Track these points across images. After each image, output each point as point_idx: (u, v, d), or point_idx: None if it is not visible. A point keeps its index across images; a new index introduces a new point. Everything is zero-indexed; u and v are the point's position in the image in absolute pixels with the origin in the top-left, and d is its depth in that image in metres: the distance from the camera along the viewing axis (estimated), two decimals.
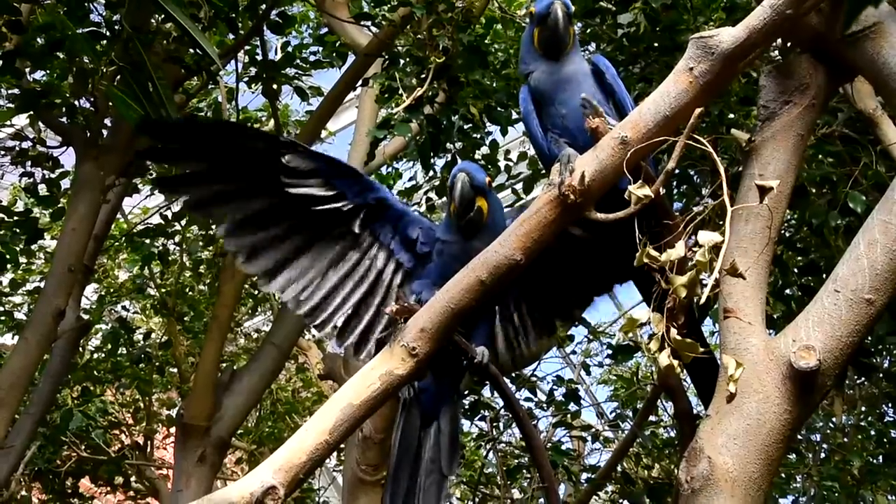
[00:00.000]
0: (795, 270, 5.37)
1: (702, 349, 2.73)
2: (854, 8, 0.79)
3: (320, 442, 2.85)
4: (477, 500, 8.05)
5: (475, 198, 3.11)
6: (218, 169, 3.25)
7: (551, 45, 3.13)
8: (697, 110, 2.73)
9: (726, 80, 2.94)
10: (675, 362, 2.69)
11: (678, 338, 2.68)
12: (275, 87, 6.28)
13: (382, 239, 3.33)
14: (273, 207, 3.26)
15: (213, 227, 6.80)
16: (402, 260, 3.32)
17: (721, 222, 2.65)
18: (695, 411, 3.77)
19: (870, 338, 4.51)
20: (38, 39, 5.57)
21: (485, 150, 6.53)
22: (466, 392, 6.30)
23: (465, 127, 6.09)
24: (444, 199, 6.38)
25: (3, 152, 6.47)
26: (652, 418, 7.59)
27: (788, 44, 3.56)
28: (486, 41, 6.42)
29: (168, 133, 3.36)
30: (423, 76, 5.39)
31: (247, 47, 6.35)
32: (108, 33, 5.06)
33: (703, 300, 2.67)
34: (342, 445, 5.71)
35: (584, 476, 7.52)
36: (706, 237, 2.63)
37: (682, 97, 2.77)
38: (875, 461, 7.15)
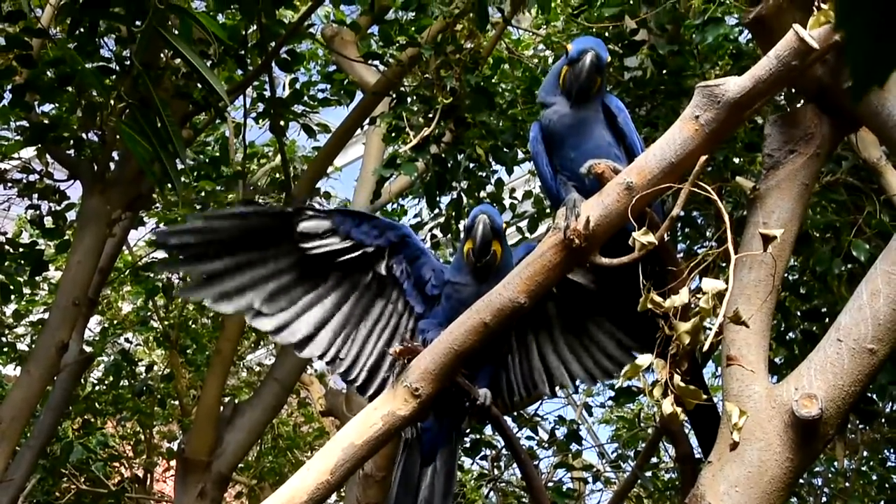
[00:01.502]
0: (798, 314, 5.37)
1: (704, 396, 2.73)
2: (859, 88, 0.80)
3: (321, 482, 2.85)
4: None
5: (493, 241, 3.12)
6: (234, 257, 3.23)
7: (576, 89, 3.12)
8: (702, 158, 2.74)
9: (732, 128, 2.96)
10: (678, 409, 2.69)
11: (681, 384, 2.68)
12: (282, 123, 6.31)
13: (399, 279, 3.33)
14: (297, 276, 3.26)
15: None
16: (414, 304, 3.33)
17: (725, 266, 2.66)
18: (696, 456, 3.76)
19: (871, 385, 4.50)
20: (48, 73, 5.60)
21: (490, 188, 6.55)
22: (468, 431, 6.28)
23: (471, 166, 6.11)
24: (447, 235, 6.42)
25: (10, 184, 6.50)
26: (653, 460, 7.57)
27: (794, 90, 3.58)
28: (494, 81, 6.45)
29: (183, 240, 3.34)
30: (430, 116, 5.42)
31: (255, 84, 6.38)
32: (117, 68, 5.10)
33: (706, 347, 2.68)
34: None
35: None
36: (710, 284, 2.64)
37: (687, 144, 2.78)
38: None
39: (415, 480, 3.25)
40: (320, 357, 3.26)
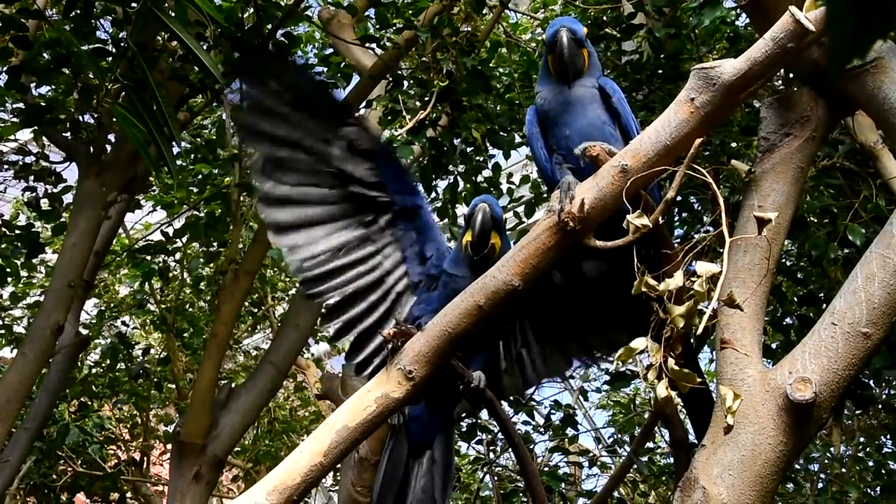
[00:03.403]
0: (794, 298, 5.37)
1: (698, 379, 2.73)
2: (839, 60, 0.79)
3: (315, 464, 2.85)
4: None
5: (491, 231, 3.12)
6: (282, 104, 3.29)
7: (561, 70, 3.14)
8: (698, 140, 2.74)
9: (727, 110, 2.95)
10: (673, 393, 2.69)
11: (676, 368, 2.68)
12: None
13: (402, 243, 3.33)
14: (313, 169, 3.28)
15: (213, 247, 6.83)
16: (411, 272, 3.32)
17: (720, 249, 2.65)
18: (690, 440, 3.76)
19: (867, 370, 4.50)
20: (44, 55, 5.59)
21: (487, 172, 6.54)
22: (464, 415, 6.29)
23: (468, 150, 6.10)
24: (444, 219, 6.41)
25: (6, 166, 6.49)
26: (649, 445, 7.57)
27: (790, 75, 3.57)
28: (491, 65, 6.44)
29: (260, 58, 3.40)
30: (427, 99, 5.41)
31: None
32: (113, 50, 5.08)
33: (700, 331, 2.68)
34: (338, 466, 5.70)
35: (581, 501, 7.51)
36: (704, 268, 2.64)
37: (682, 127, 2.78)
38: (873, 493, 7.14)
39: (401, 470, 3.25)
40: (298, 266, 3.26)
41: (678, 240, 5.36)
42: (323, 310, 3.34)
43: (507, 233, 3.36)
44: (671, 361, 2.69)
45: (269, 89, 3.30)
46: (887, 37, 0.82)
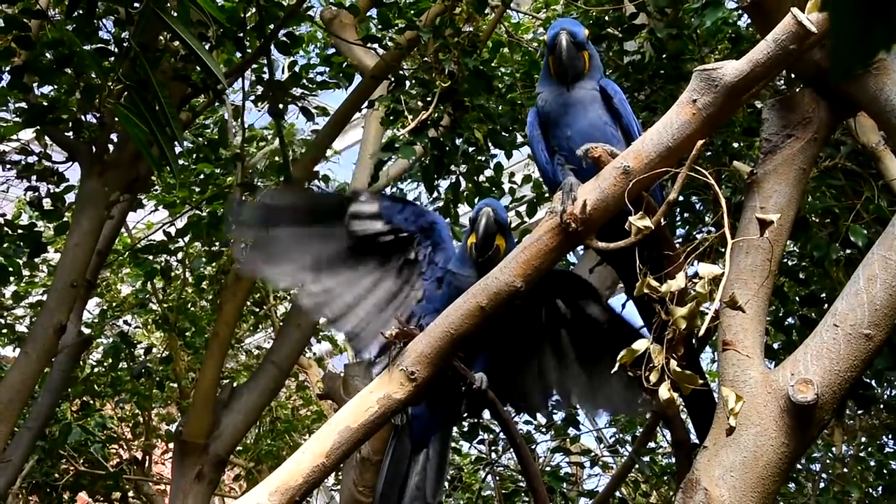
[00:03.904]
0: (796, 299, 5.37)
1: (700, 381, 2.73)
2: (842, 68, 0.79)
3: (317, 464, 2.85)
4: None
5: (496, 234, 3.13)
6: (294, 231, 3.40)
7: (561, 72, 3.15)
8: (699, 142, 2.74)
9: (729, 112, 2.95)
10: (675, 395, 2.69)
11: (678, 369, 2.68)
12: (281, 106, 6.30)
13: (421, 263, 3.37)
14: (340, 251, 3.35)
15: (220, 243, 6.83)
16: (427, 287, 3.35)
17: (723, 249, 2.65)
18: (692, 441, 3.76)
19: (869, 371, 4.50)
20: (47, 55, 5.59)
21: (489, 172, 6.54)
22: (465, 414, 6.28)
23: (470, 150, 6.10)
24: (446, 219, 6.41)
25: (8, 166, 6.49)
26: (651, 445, 7.58)
27: (792, 74, 3.57)
28: (493, 64, 6.44)
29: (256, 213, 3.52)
30: (429, 99, 5.41)
31: (254, 66, 6.36)
32: (115, 50, 5.08)
33: (702, 332, 2.68)
34: (340, 466, 5.71)
35: (582, 501, 7.51)
36: (706, 269, 2.64)
37: (684, 128, 2.78)
38: (874, 493, 7.14)
39: (404, 469, 3.26)
40: (350, 335, 3.35)
41: (680, 240, 5.37)
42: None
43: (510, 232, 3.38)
44: (673, 363, 2.69)
45: (290, 226, 3.42)
46: (890, 47, 0.81)
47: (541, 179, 5.92)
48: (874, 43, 0.84)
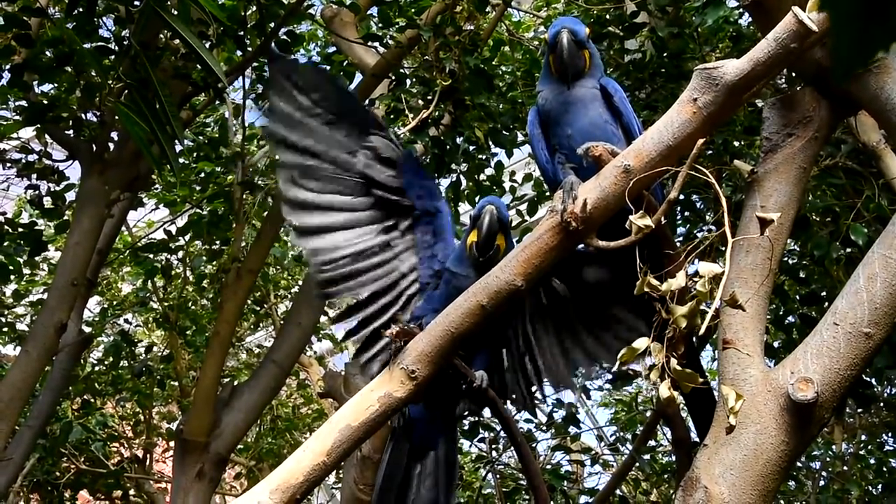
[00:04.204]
0: (798, 298, 5.37)
1: (700, 379, 2.74)
2: (842, 69, 0.79)
3: (318, 463, 2.86)
4: None
5: (497, 233, 3.12)
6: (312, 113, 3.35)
7: (562, 71, 3.15)
8: (700, 141, 2.74)
9: (730, 111, 2.95)
10: (675, 393, 2.69)
11: (678, 368, 2.68)
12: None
13: (419, 247, 3.36)
14: (339, 176, 3.33)
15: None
16: (422, 275, 3.34)
17: (723, 248, 2.66)
18: (692, 439, 3.77)
19: (869, 369, 4.50)
20: (47, 53, 5.59)
21: (489, 171, 6.54)
22: (466, 413, 6.28)
23: (470, 149, 6.11)
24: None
25: (9, 164, 6.49)
26: (651, 443, 7.58)
27: (793, 73, 3.57)
28: (493, 63, 6.44)
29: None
30: (430, 98, 5.41)
31: (254, 64, 6.36)
32: (116, 49, 5.08)
33: (702, 331, 2.68)
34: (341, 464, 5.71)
35: (583, 500, 7.51)
36: (706, 268, 2.65)
37: (685, 127, 2.78)
38: (874, 490, 7.15)
39: (401, 471, 3.26)
40: (313, 252, 3.29)
41: (681, 238, 5.38)
42: (331, 311, 3.38)
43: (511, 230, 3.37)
44: (673, 361, 2.70)
45: (298, 102, 3.36)
46: (889, 47, 0.81)
47: (541, 178, 5.93)
48: (874, 43, 0.84)
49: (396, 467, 3.25)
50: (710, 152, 5.01)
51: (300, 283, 7.83)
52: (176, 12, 3.92)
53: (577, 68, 3.14)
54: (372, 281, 3.31)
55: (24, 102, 5.93)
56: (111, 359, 8.27)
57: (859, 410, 7.14)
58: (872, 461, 7.48)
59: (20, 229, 6.28)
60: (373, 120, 3.42)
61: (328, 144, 3.33)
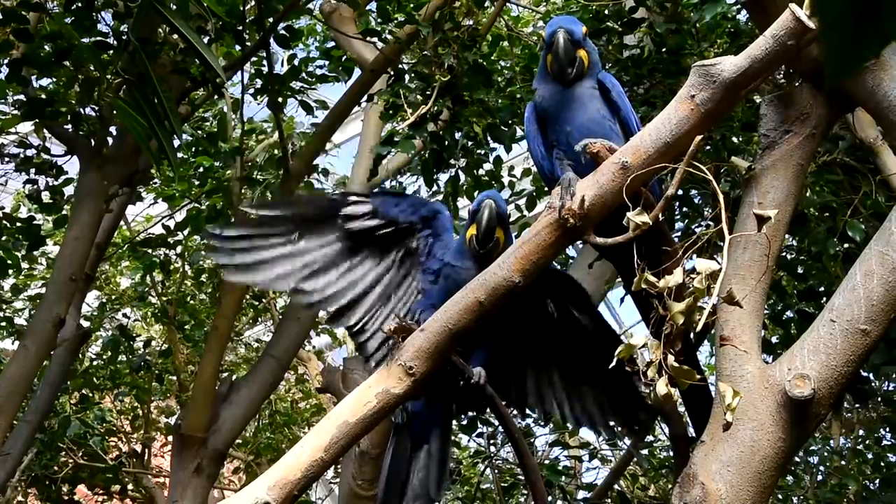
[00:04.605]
0: (794, 292, 5.38)
1: (697, 376, 2.74)
2: (834, 75, 0.79)
3: (315, 459, 2.86)
4: None
5: (497, 227, 3.13)
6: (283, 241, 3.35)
7: (558, 71, 3.15)
8: (698, 138, 2.74)
9: (727, 107, 2.95)
10: (673, 390, 2.70)
11: (675, 365, 2.68)
12: (280, 99, 6.30)
13: (421, 253, 3.37)
14: (337, 250, 3.34)
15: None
16: (423, 279, 3.35)
17: (721, 244, 2.66)
18: (690, 435, 3.77)
19: (866, 365, 4.50)
20: (45, 48, 5.59)
21: (488, 166, 6.54)
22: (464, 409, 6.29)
23: (469, 144, 6.11)
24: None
25: (7, 159, 6.49)
26: (649, 438, 7.59)
27: (790, 70, 3.58)
28: (492, 58, 6.44)
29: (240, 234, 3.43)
30: (428, 93, 5.41)
31: (253, 59, 6.37)
32: (114, 44, 5.08)
33: (699, 328, 2.68)
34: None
35: (581, 495, 7.52)
36: (704, 265, 2.65)
37: (683, 124, 2.78)
38: (872, 485, 7.15)
39: (406, 466, 3.27)
40: (353, 330, 3.32)
41: (679, 233, 5.38)
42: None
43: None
44: (671, 358, 2.70)
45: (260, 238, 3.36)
46: (881, 51, 0.82)
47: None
48: (866, 46, 0.84)
49: (401, 463, 3.27)
50: (707, 148, 5.01)
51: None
52: (174, 7, 3.93)
53: (574, 68, 3.14)
54: (376, 296, 3.35)
55: (22, 97, 5.93)
56: (109, 353, 8.27)
57: (857, 406, 7.15)
58: (870, 456, 7.49)
59: (19, 224, 6.29)
60: (339, 199, 3.45)
61: (317, 244, 3.34)
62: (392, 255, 3.37)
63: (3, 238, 6.26)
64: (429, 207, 3.40)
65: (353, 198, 3.41)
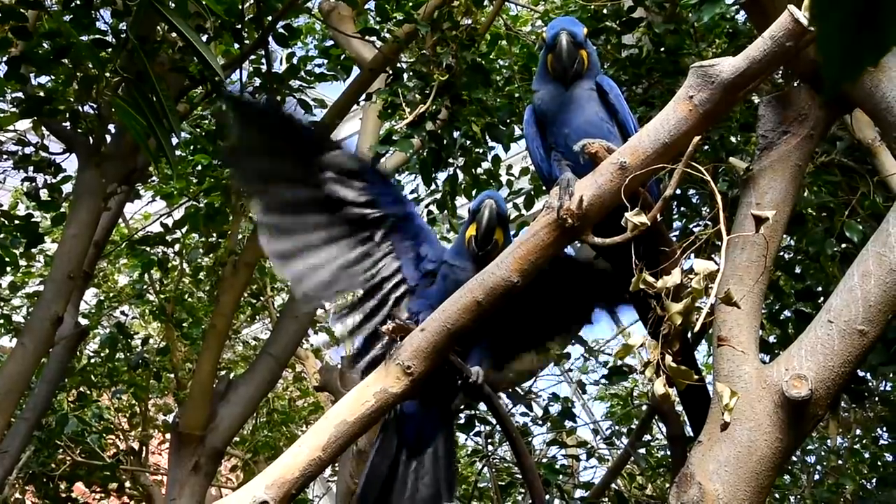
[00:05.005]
0: (793, 293, 5.38)
1: (695, 376, 2.74)
2: (832, 84, 0.80)
3: (313, 458, 2.86)
4: None
5: (496, 227, 3.13)
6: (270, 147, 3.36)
7: (559, 72, 3.16)
8: (696, 138, 2.75)
9: (726, 108, 2.96)
10: (670, 390, 2.70)
11: (673, 365, 2.69)
12: (278, 98, 6.30)
13: (398, 251, 3.35)
14: (308, 200, 3.32)
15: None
16: (408, 276, 3.34)
17: (719, 244, 2.66)
18: (687, 435, 3.78)
19: (863, 365, 4.51)
20: (44, 46, 5.59)
21: (486, 165, 6.55)
22: (462, 406, 6.29)
23: (467, 143, 6.11)
24: (444, 211, 6.42)
25: (6, 156, 6.49)
26: (646, 437, 7.59)
27: (789, 71, 3.58)
28: (491, 58, 6.44)
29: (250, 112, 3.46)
30: (427, 92, 5.41)
31: (251, 58, 6.37)
32: (113, 42, 5.08)
33: (697, 328, 2.69)
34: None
35: (578, 494, 7.52)
36: (702, 265, 2.65)
37: (681, 125, 2.78)
38: (868, 485, 7.15)
39: (389, 462, 3.26)
40: (295, 277, 3.30)
41: (677, 233, 5.38)
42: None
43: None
44: (669, 358, 2.70)
45: (262, 143, 3.37)
46: (879, 59, 0.82)
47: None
48: (864, 54, 0.85)
49: (384, 459, 3.26)
50: (706, 148, 5.02)
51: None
52: (173, 5, 3.93)
53: (576, 70, 3.15)
54: (353, 289, 3.32)
55: (21, 95, 5.93)
56: (107, 351, 8.27)
57: (854, 406, 7.15)
58: (867, 455, 7.49)
59: (17, 221, 6.29)
60: (326, 140, 3.42)
61: (293, 171, 3.34)
62: (362, 236, 3.34)
63: (2, 235, 6.26)
64: (403, 208, 3.39)
65: (342, 148, 3.37)
